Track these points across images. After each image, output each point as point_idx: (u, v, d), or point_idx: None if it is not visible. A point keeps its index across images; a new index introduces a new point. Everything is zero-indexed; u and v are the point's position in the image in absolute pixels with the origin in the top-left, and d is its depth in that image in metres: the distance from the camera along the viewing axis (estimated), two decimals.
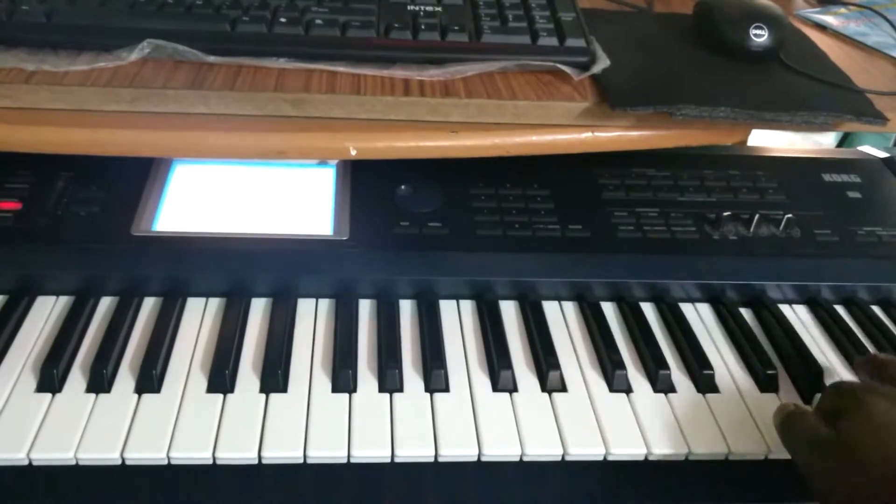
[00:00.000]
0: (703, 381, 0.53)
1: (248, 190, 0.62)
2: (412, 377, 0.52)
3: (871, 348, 0.57)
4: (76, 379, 0.50)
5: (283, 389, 0.50)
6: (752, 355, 0.55)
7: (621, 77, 0.59)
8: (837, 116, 0.59)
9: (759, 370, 0.54)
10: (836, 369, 0.55)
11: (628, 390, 0.52)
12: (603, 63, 0.60)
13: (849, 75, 0.64)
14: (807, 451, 0.45)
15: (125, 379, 0.50)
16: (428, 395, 0.50)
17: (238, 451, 0.46)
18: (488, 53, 0.59)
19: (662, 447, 0.48)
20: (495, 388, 0.51)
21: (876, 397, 0.44)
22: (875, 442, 0.41)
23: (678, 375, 0.54)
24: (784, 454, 0.47)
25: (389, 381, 0.50)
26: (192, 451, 0.46)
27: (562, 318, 0.58)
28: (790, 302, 0.61)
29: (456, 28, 0.60)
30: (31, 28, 0.57)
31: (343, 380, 0.50)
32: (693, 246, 0.61)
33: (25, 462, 0.45)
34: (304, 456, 0.46)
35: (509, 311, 0.58)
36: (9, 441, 0.45)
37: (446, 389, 0.51)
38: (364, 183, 0.63)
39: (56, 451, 0.45)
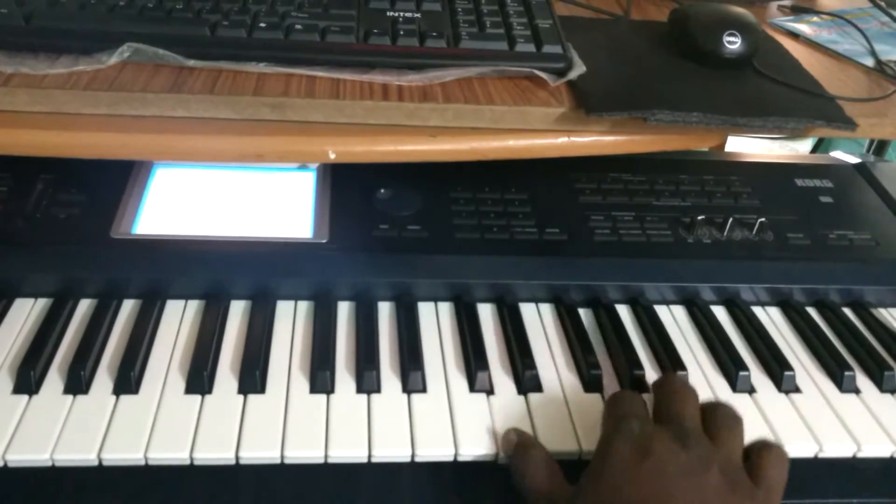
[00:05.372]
0: None
1: (229, 193, 0.62)
2: (390, 378, 0.52)
3: (841, 349, 0.58)
4: (54, 380, 0.50)
5: (261, 390, 0.50)
6: (724, 356, 0.56)
7: (597, 83, 0.60)
8: (808, 122, 0.60)
9: (731, 370, 0.55)
10: (808, 369, 0.57)
11: (603, 391, 0.53)
12: (579, 69, 0.60)
13: (820, 82, 0.66)
14: None
15: (103, 380, 0.50)
16: (405, 395, 0.51)
17: (215, 451, 0.46)
18: (466, 59, 0.60)
19: None
20: (472, 389, 0.52)
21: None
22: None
23: (653, 376, 0.54)
24: None
25: (367, 382, 0.51)
26: (170, 452, 0.46)
27: (539, 320, 0.58)
28: (763, 304, 0.62)
29: (434, 34, 0.61)
30: (10, 31, 0.57)
31: (321, 381, 0.51)
32: (668, 249, 0.62)
33: (0, 464, 0.45)
34: (282, 456, 0.46)
35: (487, 313, 0.58)
36: None
37: (423, 390, 0.51)
38: (344, 186, 0.63)
39: (32, 453, 0.45)
